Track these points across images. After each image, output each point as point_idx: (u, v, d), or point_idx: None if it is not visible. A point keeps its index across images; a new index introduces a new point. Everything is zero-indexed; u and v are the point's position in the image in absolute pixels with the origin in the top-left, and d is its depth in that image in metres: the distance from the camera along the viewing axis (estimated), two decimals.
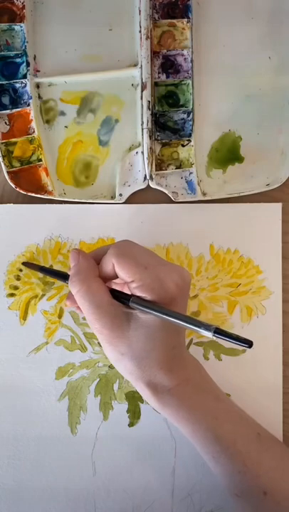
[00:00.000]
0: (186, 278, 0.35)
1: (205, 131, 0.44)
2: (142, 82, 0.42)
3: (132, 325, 0.33)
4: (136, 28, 0.43)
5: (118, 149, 0.43)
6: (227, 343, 0.42)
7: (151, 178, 0.42)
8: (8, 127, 0.43)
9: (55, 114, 0.43)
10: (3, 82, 0.42)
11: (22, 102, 0.43)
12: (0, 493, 0.41)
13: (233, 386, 0.41)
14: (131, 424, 0.42)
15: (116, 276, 0.35)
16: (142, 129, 0.42)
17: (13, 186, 0.42)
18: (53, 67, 0.43)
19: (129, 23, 0.43)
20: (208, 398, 0.35)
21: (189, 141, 0.43)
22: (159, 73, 0.43)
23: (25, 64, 0.42)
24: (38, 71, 0.43)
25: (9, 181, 0.42)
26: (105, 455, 0.41)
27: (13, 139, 0.43)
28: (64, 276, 0.38)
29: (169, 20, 0.42)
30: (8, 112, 0.42)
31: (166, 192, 0.43)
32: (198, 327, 0.30)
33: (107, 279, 0.35)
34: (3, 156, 0.42)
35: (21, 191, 0.42)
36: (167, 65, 0.43)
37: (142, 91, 0.42)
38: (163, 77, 0.43)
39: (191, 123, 0.43)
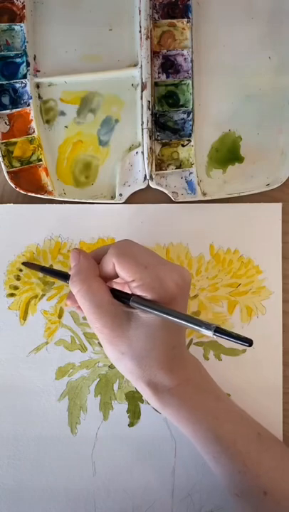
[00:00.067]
0: (186, 277, 0.35)
1: (205, 131, 0.44)
2: (142, 82, 0.42)
3: (132, 324, 0.34)
4: (136, 28, 0.43)
5: (118, 149, 0.43)
6: (227, 343, 0.42)
7: (151, 178, 0.42)
8: (8, 127, 0.43)
9: (55, 114, 0.43)
10: (3, 82, 0.42)
11: (22, 102, 0.43)
12: (0, 493, 0.41)
13: (233, 386, 0.41)
14: (131, 424, 0.42)
15: (116, 276, 0.35)
16: (142, 129, 0.42)
17: (13, 186, 0.42)
18: (53, 67, 0.43)
19: (129, 23, 0.43)
20: (209, 398, 0.35)
21: (189, 141, 0.43)
22: (159, 73, 0.43)
23: (25, 64, 0.42)
24: (38, 71, 0.43)
25: (9, 181, 0.42)
26: (105, 455, 0.41)
27: (13, 139, 0.43)
28: (64, 276, 0.38)
29: (169, 20, 0.42)
30: (8, 112, 0.42)
31: (166, 192, 0.43)
32: (199, 326, 0.30)
33: (107, 278, 0.35)
34: (3, 156, 0.42)
35: (21, 191, 0.42)
36: (167, 65, 0.43)
37: (142, 91, 0.42)
38: (163, 77, 0.43)
39: (191, 123, 0.43)
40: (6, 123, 0.43)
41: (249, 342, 0.29)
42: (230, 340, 0.29)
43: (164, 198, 0.43)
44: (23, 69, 0.42)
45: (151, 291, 0.33)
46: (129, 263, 0.33)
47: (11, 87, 0.43)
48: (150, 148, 0.42)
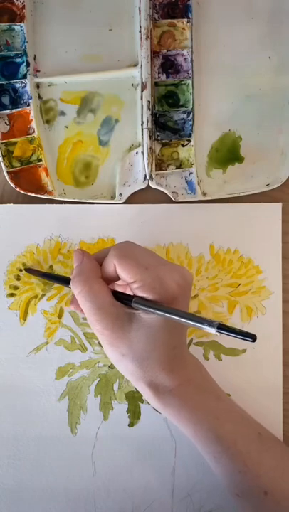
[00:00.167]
0: (187, 277, 0.35)
1: (205, 131, 0.44)
2: (142, 82, 0.42)
3: (133, 326, 0.34)
4: (136, 28, 0.43)
5: (118, 149, 0.43)
6: (227, 343, 0.42)
7: (151, 178, 0.42)
8: (8, 127, 0.43)
9: (55, 114, 0.43)
10: (3, 82, 0.42)
11: (22, 102, 0.43)
12: (0, 493, 0.41)
13: (233, 386, 0.41)
14: (131, 424, 0.42)
15: (118, 278, 0.35)
16: (142, 129, 0.42)
17: (13, 186, 0.42)
18: (53, 67, 0.43)
19: (129, 23, 0.43)
20: (210, 398, 0.35)
21: (189, 141, 0.43)
22: (159, 73, 0.43)
23: (25, 64, 0.42)
24: (38, 71, 0.43)
25: (9, 181, 0.42)
26: (105, 455, 0.41)
27: (13, 139, 0.43)
28: (66, 281, 0.38)
29: (169, 20, 0.42)
30: (8, 112, 0.42)
31: (166, 192, 0.43)
32: (202, 323, 0.30)
33: (109, 280, 0.35)
34: (3, 156, 0.42)
35: (21, 191, 0.42)
36: (167, 65, 0.43)
37: (142, 91, 0.42)
38: (163, 77, 0.43)
39: (191, 123, 0.43)
40: (6, 123, 0.43)
41: (253, 337, 0.29)
42: (233, 337, 0.29)
43: (164, 198, 0.43)
44: (23, 69, 0.42)
45: (152, 292, 0.33)
46: (130, 264, 0.33)
47: (11, 87, 0.43)
48: (150, 148, 0.42)
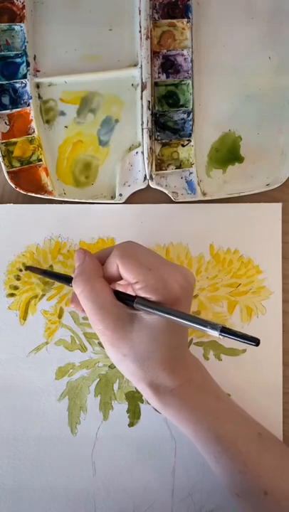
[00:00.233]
0: (189, 279, 0.35)
1: (205, 131, 0.44)
2: (142, 82, 0.42)
3: (135, 326, 0.33)
4: (136, 28, 0.43)
5: (118, 149, 0.43)
6: (227, 343, 0.42)
7: (151, 178, 0.42)
8: (8, 127, 0.43)
9: (55, 114, 0.43)
10: (3, 82, 0.42)
11: (22, 102, 0.43)
12: (0, 493, 0.41)
13: (233, 386, 0.41)
14: (131, 424, 0.42)
15: (120, 278, 0.35)
16: (142, 129, 0.42)
17: (13, 186, 0.42)
18: (53, 67, 0.43)
19: (129, 23, 0.43)
20: (210, 398, 0.35)
21: (189, 141, 0.43)
22: (159, 73, 0.43)
23: (25, 64, 0.42)
24: (38, 71, 0.43)
25: (9, 181, 0.42)
26: (105, 455, 0.41)
27: (13, 139, 0.43)
28: (67, 279, 0.38)
29: (169, 20, 0.42)
30: (8, 112, 0.42)
31: (166, 192, 0.43)
32: (205, 326, 0.30)
33: (111, 280, 0.35)
34: (3, 156, 0.42)
35: (21, 191, 0.42)
36: (167, 65, 0.43)
37: (142, 91, 0.42)
38: (163, 77, 0.43)
39: (191, 123, 0.43)
40: (6, 123, 0.43)
41: (256, 341, 0.29)
42: (236, 340, 0.29)
43: (164, 198, 0.43)
44: (23, 69, 0.42)
45: (155, 293, 0.33)
46: (132, 265, 0.33)
47: (11, 87, 0.43)
48: (150, 148, 0.42)
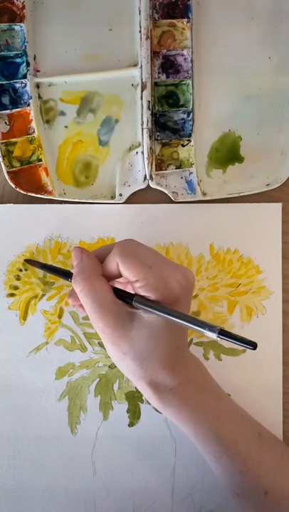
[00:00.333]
0: (190, 278, 0.35)
1: (205, 131, 0.44)
2: (142, 82, 0.42)
3: (135, 324, 0.33)
4: (136, 28, 0.43)
5: (118, 149, 0.43)
6: (228, 343, 0.42)
7: (151, 178, 0.42)
8: (8, 127, 0.43)
9: (55, 114, 0.43)
10: (3, 82, 0.42)
11: (22, 102, 0.43)
12: (0, 493, 0.41)
13: (233, 386, 0.41)
14: (131, 424, 0.42)
15: (120, 276, 0.35)
16: (142, 129, 0.42)
17: (13, 186, 0.42)
18: (53, 67, 0.43)
19: (129, 23, 0.43)
20: (210, 398, 0.35)
21: (189, 141, 0.43)
22: (159, 73, 0.43)
23: (25, 64, 0.42)
24: (38, 71, 0.43)
25: (9, 181, 0.42)
26: (105, 455, 0.41)
27: (13, 139, 0.43)
28: (66, 274, 0.38)
29: (169, 20, 0.42)
30: (8, 112, 0.42)
31: (166, 192, 0.43)
32: (203, 328, 0.30)
33: (110, 277, 0.35)
34: (3, 156, 0.42)
35: (21, 191, 0.42)
36: (167, 65, 0.43)
37: (142, 91, 0.42)
38: (163, 77, 0.43)
39: (191, 123, 0.43)
40: (6, 123, 0.43)
41: (253, 345, 0.29)
42: (234, 343, 0.29)
43: (164, 198, 0.43)
44: (23, 69, 0.42)
45: (154, 292, 0.33)
46: (133, 263, 0.33)
47: (11, 87, 0.43)
48: (150, 148, 0.42)
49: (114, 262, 0.34)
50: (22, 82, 0.42)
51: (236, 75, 0.43)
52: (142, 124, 0.42)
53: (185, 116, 0.43)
